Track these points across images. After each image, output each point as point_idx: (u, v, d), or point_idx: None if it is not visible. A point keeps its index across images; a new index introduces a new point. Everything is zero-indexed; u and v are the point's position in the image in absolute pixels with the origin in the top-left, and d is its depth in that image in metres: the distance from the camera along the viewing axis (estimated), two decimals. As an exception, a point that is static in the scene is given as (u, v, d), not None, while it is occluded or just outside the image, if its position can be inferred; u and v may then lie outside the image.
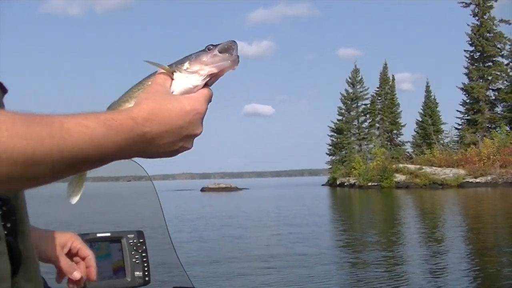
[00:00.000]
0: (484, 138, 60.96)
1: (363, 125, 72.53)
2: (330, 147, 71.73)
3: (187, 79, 1.10)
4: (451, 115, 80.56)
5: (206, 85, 1.11)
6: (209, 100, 1.09)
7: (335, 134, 71.90)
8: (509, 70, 65.08)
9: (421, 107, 70.33)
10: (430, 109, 69.17)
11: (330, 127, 72.37)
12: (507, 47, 64.65)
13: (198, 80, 1.10)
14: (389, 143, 71.11)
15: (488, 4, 64.43)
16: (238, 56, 1.11)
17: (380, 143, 68.91)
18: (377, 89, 72.98)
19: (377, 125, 72.19)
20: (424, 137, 67.53)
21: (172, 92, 1.08)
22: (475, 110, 65.21)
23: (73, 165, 0.92)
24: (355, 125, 72.43)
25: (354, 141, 71.30)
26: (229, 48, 1.11)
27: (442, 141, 67.84)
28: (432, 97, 70.33)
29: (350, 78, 72.71)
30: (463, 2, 65.49)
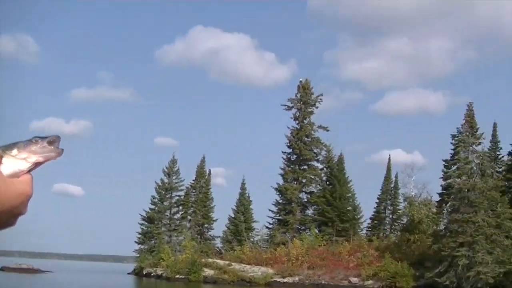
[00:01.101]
0: (294, 239, 61.28)
1: (175, 216, 70.28)
2: (140, 236, 68.21)
3: (15, 164, 1.30)
4: (263, 213, 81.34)
5: (30, 170, 1.33)
6: (32, 186, 1.30)
7: (146, 223, 68.74)
8: (322, 175, 67.27)
9: (235, 204, 69.95)
10: (243, 206, 68.97)
11: (141, 215, 69.22)
12: (323, 152, 67.25)
13: (25, 166, 1.31)
14: (199, 237, 69.36)
15: (309, 110, 67.09)
16: (62, 149, 1.37)
17: (190, 235, 66.79)
18: (193, 182, 71.74)
19: (189, 217, 70.40)
20: (235, 234, 66.66)
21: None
22: (287, 211, 65.85)
23: None
24: (167, 215, 69.97)
25: (165, 231, 68.55)
26: (54, 141, 1.36)
27: (252, 239, 67.36)
28: (247, 194, 70.45)
29: (166, 168, 70.85)
30: (286, 105, 67.64)
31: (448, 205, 50.56)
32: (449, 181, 50.62)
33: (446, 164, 52.28)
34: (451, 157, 51.87)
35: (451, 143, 51.79)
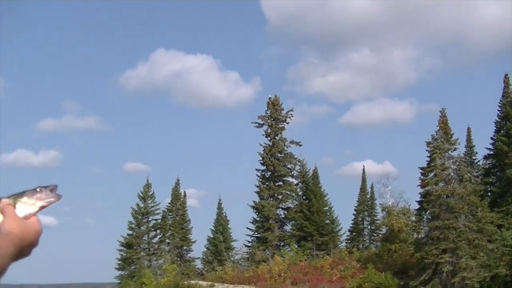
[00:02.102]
0: (274, 255, 60.98)
1: (153, 240, 69.41)
2: (119, 262, 67.12)
3: (26, 209, 1.66)
4: (241, 232, 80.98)
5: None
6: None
7: (125, 249, 67.68)
8: (298, 190, 67.22)
9: (213, 224, 69.45)
10: (221, 226, 68.51)
11: (119, 241, 68.12)
12: (297, 167, 67.24)
13: (33, 210, 1.68)
14: (179, 259, 68.53)
15: (280, 126, 67.12)
16: (61, 196, 1.74)
17: (170, 258, 66.00)
18: (169, 205, 71.07)
19: (168, 240, 69.59)
20: (216, 254, 66.09)
21: None
22: (265, 228, 65.49)
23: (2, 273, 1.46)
24: (145, 240, 69.03)
25: (144, 256, 67.59)
26: (54, 189, 1.73)
27: (233, 258, 66.87)
28: (224, 214, 70.06)
29: (141, 192, 70.02)
30: (256, 123, 67.58)
31: (427, 212, 50.78)
32: (427, 188, 50.84)
33: (422, 171, 52.56)
34: (427, 164, 52.19)
35: (426, 150, 52.05)
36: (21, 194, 1.69)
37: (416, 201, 53.55)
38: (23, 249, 1.57)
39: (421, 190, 51.63)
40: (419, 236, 55.16)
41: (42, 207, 1.70)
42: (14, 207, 1.65)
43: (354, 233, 71.18)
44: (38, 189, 1.71)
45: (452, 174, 48.89)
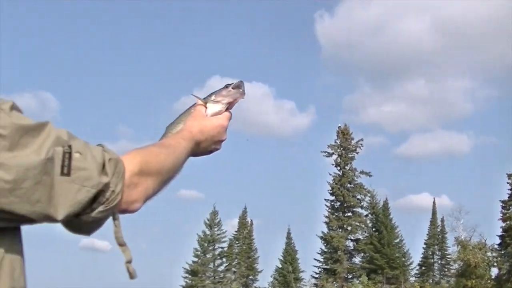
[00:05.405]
0: (344, 287, 59.83)
1: (219, 269, 68.95)
2: (184, 289, 66.93)
3: (214, 106, 1.82)
4: (307, 263, 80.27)
5: (227, 109, 1.84)
6: (230, 118, 1.83)
7: (190, 276, 67.43)
8: (368, 221, 66.04)
9: (281, 254, 68.66)
10: (290, 256, 67.67)
11: (184, 268, 67.97)
12: (367, 198, 66.08)
13: (222, 107, 1.82)
14: (245, 289, 67.95)
15: (350, 155, 66.32)
16: (245, 91, 1.87)
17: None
18: (235, 233, 70.72)
19: (234, 269, 69.06)
20: (284, 284, 65.20)
21: (207, 115, 1.80)
22: (334, 260, 64.40)
23: (178, 170, 1.58)
24: (211, 268, 68.66)
25: (209, 284, 67.12)
26: (239, 86, 1.86)
27: (301, 290, 65.91)
28: (293, 244, 69.20)
29: (208, 220, 69.92)
30: (326, 152, 66.97)
31: (510, 247, 49.13)
32: (508, 222, 49.33)
33: (503, 205, 51.09)
34: (508, 197, 50.75)
35: (508, 182, 50.74)
36: (210, 95, 1.83)
37: (497, 236, 51.84)
38: (201, 143, 1.73)
39: (503, 224, 50.09)
40: (501, 272, 53.24)
41: (229, 103, 1.83)
42: (205, 107, 1.81)
43: (423, 267, 69.36)
44: (225, 86, 1.84)
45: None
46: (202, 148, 1.77)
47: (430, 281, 67.07)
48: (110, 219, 1.30)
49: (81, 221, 1.22)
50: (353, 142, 67.25)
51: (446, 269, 67.88)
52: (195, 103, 1.85)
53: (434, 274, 69.60)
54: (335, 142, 67.27)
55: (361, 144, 67.32)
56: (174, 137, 1.69)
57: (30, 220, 1.17)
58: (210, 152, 1.83)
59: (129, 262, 1.33)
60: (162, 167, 1.45)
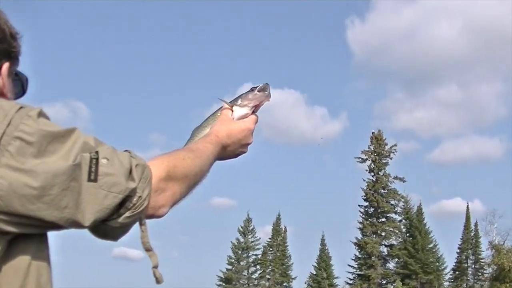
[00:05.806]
0: (379, 293, 60.07)
1: (253, 276, 69.43)
2: (219, 296, 67.45)
3: (241, 110, 1.84)
4: (341, 269, 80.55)
5: (253, 112, 1.86)
6: (256, 122, 1.85)
7: (223, 284, 67.97)
8: (402, 227, 66.19)
9: (315, 261, 68.98)
10: (324, 262, 67.98)
11: (218, 276, 68.54)
12: (401, 204, 66.25)
13: (248, 110, 1.85)
14: (280, 295, 68.30)
15: (384, 161, 66.54)
16: (270, 93, 1.87)
17: (271, 295, 65.92)
18: (269, 240, 71.14)
19: (268, 276, 69.45)
20: (318, 291, 65.60)
21: (233, 119, 1.83)
22: (368, 265, 64.63)
23: (204, 174, 1.59)
24: (245, 275, 69.16)
25: (244, 291, 67.73)
26: (265, 89, 1.87)
27: (336, 296, 66.18)
28: (327, 250, 69.50)
29: (241, 227, 70.44)
30: (360, 158, 67.25)
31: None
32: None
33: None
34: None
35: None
36: (237, 98, 1.87)
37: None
38: (228, 147, 1.76)
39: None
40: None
41: (255, 106, 1.86)
42: (232, 110, 1.85)
43: (457, 272, 69.33)
44: (251, 90, 1.87)
45: None
46: (229, 151, 1.79)
47: (464, 285, 67.10)
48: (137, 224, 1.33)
49: (107, 227, 1.24)
50: (386, 147, 67.41)
51: (480, 274, 67.85)
52: (221, 107, 1.89)
53: (468, 278, 69.49)
54: (369, 147, 67.48)
55: (395, 150, 67.51)
56: (201, 141, 1.71)
57: (57, 226, 1.19)
58: (237, 155, 1.85)
59: (155, 267, 1.34)
60: (189, 171, 1.48)
